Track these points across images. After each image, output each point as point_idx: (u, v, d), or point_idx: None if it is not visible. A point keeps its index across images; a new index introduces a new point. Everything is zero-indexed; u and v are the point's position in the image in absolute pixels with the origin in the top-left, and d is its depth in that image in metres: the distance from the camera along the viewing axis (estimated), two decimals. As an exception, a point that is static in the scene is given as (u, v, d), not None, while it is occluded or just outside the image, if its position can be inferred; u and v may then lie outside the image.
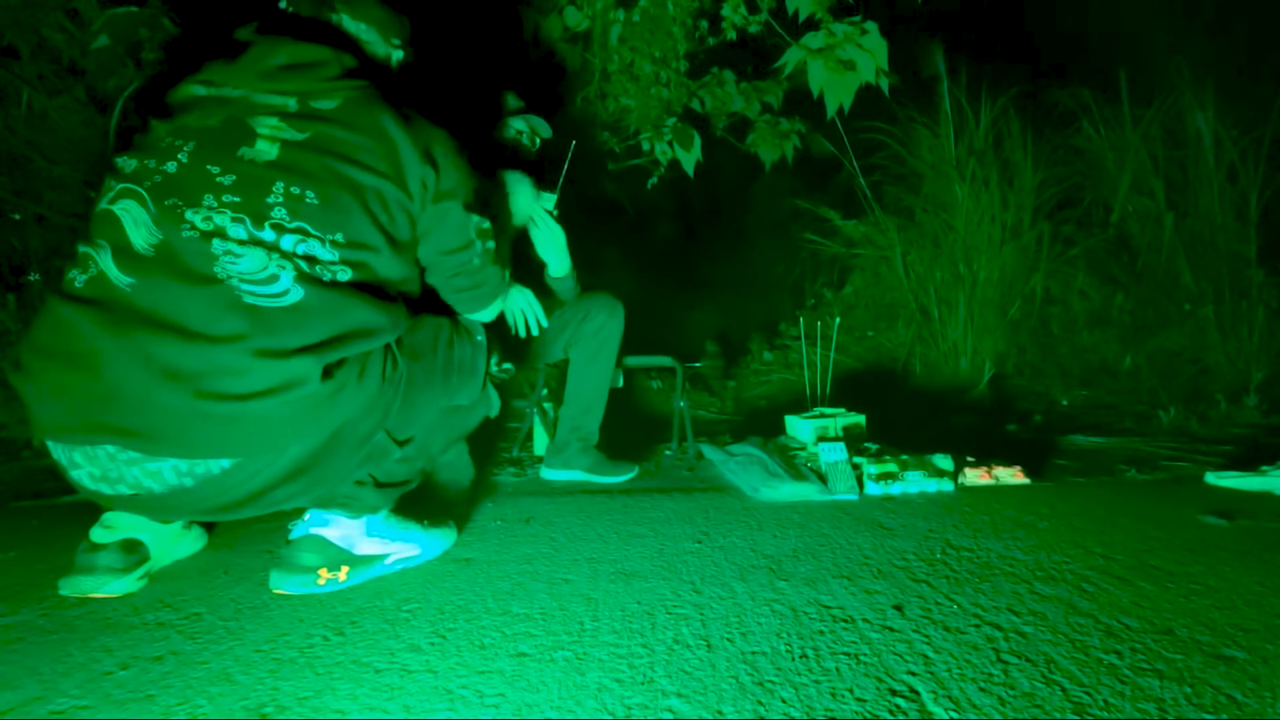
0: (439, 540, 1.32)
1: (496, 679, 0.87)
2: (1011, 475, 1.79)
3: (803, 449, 1.95)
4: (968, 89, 3.20)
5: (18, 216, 2.39)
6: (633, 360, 2.08)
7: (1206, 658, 0.88)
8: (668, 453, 2.25)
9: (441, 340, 1.24)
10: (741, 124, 3.00)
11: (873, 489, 1.71)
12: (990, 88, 3.19)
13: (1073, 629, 0.97)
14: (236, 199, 1.01)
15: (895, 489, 1.71)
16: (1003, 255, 3.09)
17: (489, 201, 1.36)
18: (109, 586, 1.14)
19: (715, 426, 2.68)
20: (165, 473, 0.99)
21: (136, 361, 0.94)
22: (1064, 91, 3.49)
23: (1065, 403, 2.90)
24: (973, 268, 3.10)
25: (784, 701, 0.81)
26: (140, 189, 1.02)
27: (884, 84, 2.42)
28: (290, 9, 1.21)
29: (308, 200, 1.04)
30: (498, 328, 1.89)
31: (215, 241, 0.99)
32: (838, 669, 0.87)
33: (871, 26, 2.35)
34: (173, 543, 1.28)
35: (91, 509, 1.16)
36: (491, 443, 2.34)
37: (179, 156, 1.04)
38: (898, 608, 1.04)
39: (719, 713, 0.79)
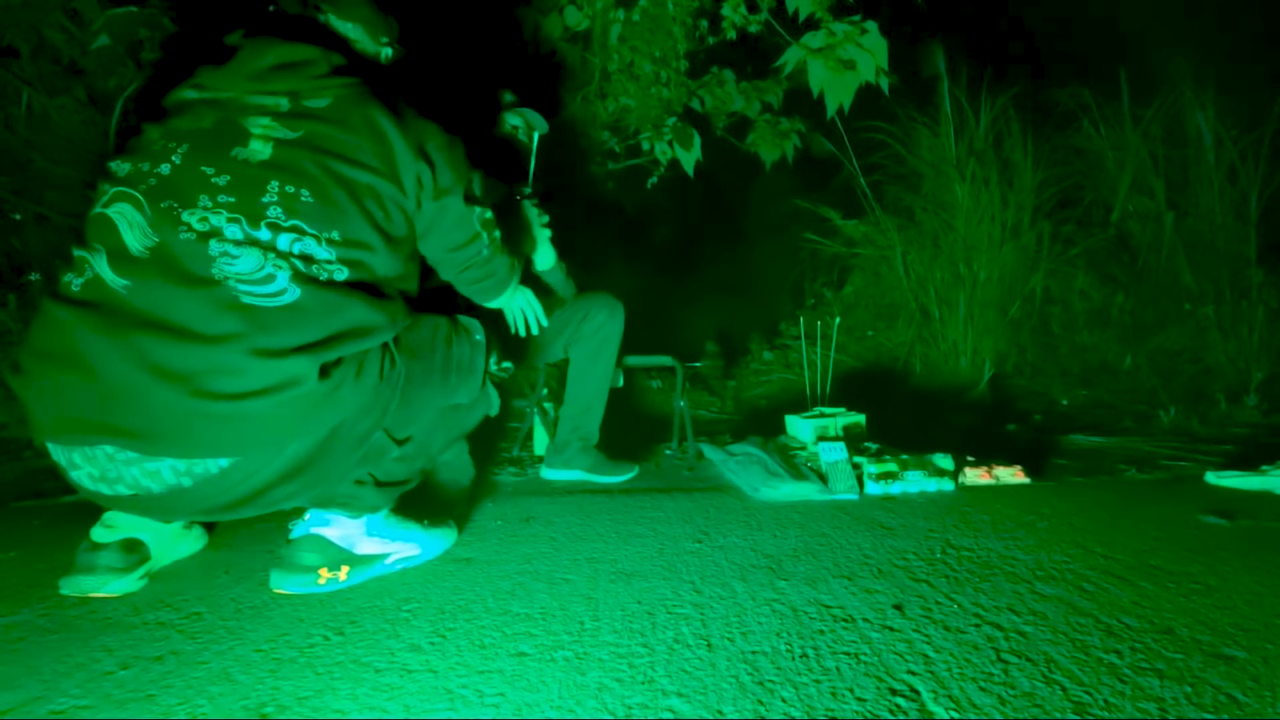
0: (439, 540, 1.32)
1: (496, 679, 0.87)
2: (1011, 475, 1.79)
3: (803, 449, 1.95)
4: (968, 89, 3.20)
5: (18, 216, 2.39)
6: (633, 360, 2.08)
7: (1207, 657, 0.88)
8: (668, 453, 2.25)
9: (440, 339, 1.24)
10: (741, 124, 3.00)
11: (873, 488, 1.71)
12: (990, 88, 3.19)
13: (1073, 628, 0.97)
14: (231, 199, 1.02)
15: (895, 489, 1.71)
16: (1003, 255, 3.09)
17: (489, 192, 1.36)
18: (110, 586, 1.14)
19: (715, 426, 2.68)
20: (164, 473, 0.99)
21: (133, 362, 0.94)
22: (1064, 91, 3.49)
23: (1065, 402, 2.90)
24: (973, 267, 3.10)
25: (784, 701, 0.81)
26: (135, 192, 1.02)
27: (884, 83, 2.42)
28: (276, 9, 1.21)
29: (303, 199, 1.04)
30: (497, 326, 1.90)
31: (212, 243, 0.99)
32: (838, 668, 0.87)
33: (871, 26, 2.36)
34: (173, 542, 1.28)
35: (92, 509, 1.16)
36: (491, 443, 2.34)
37: (172, 159, 1.04)
38: (898, 607, 1.04)
39: (719, 712, 0.79)
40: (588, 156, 2.91)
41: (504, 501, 1.72)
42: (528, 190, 1.92)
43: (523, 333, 1.82)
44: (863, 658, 0.90)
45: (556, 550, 1.34)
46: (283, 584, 1.14)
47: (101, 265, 0.99)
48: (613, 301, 1.93)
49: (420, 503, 1.38)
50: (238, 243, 1.00)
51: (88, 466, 0.99)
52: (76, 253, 1.02)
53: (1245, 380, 2.86)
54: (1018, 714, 0.77)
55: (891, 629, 0.98)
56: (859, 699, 0.81)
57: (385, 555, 1.22)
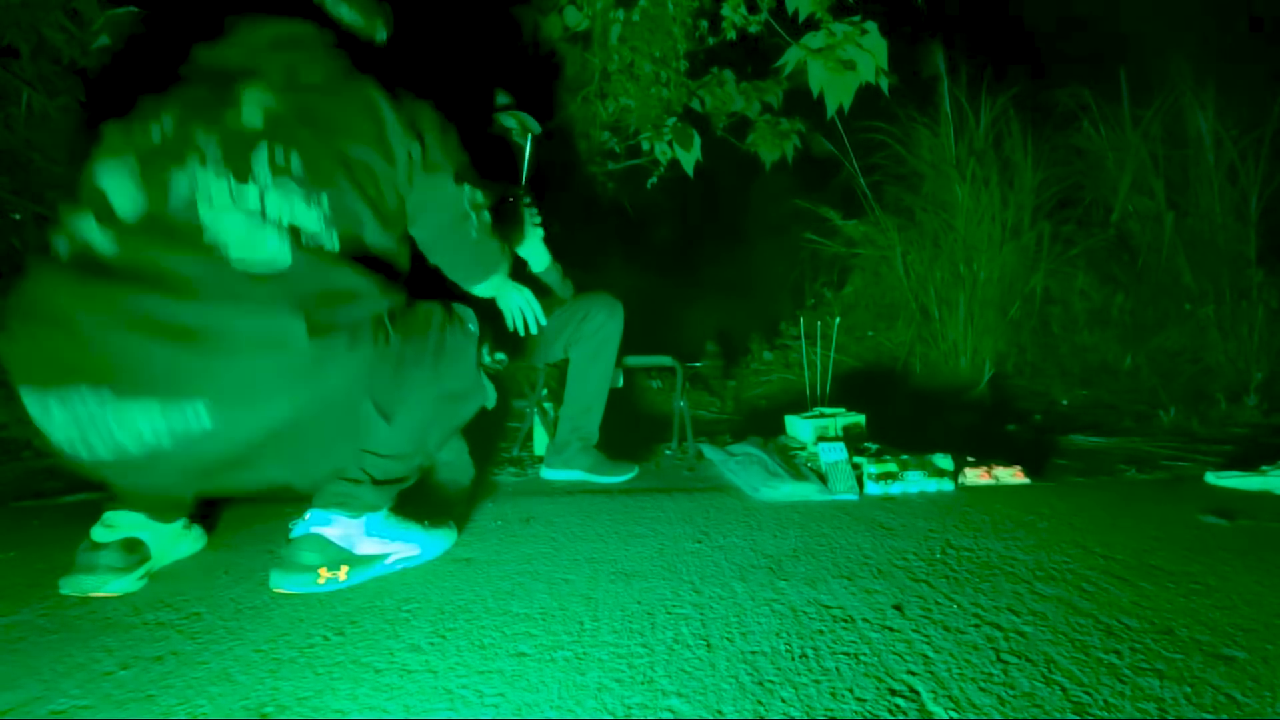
0: (439, 540, 1.32)
1: (496, 679, 0.87)
2: (1011, 475, 1.79)
3: (803, 449, 1.95)
4: (968, 89, 3.20)
5: (18, 216, 2.39)
6: (633, 360, 2.08)
7: (1206, 657, 0.88)
8: (668, 453, 2.25)
9: (434, 322, 1.23)
10: (741, 124, 3.00)
11: (873, 489, 1.71)
12: (990, 88, 3.19)
13: (1073, 629, 0.97)
14: (222, 165, 1.02)
15: (895, 489, 1.71)
16: (1003, 255, 3.09)
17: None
18: (110, 585, 1.14)
19: (715, 426, 2.68)
20: (142, 430, 0.97)
21: (117, 318, 0.95)
22: (1064, 91, 3.49)
23: (1065, 402, 2.90)
24: (973, 267, 3.10)
25: (784, 701, 0.81)
26: (126, 157, 1.02)
27: (884, 84, 2.42)
28: None
29: (294, 169, 1.05)
30: (496, 324, 1.90)
31: (201, 207, 1.00)
32: (838, 669, 0.87)
33: (871, 26, 2.36)
34: (173, 542, 1.28)
35: (92, 509, 1.16)
36: (491, 443, 2.34)
37: (164, 123, 1.04)
38: (898, 607, 1.04)
39: (719, 712, 0.79)
40: (588, 157, 2.91)
41: (504, 501, 1.72)
42: (521, 191, 1.92)
43: (522, 332, 1.82)
44: (862, 658, 0.90)
45: (556, 550, 1.34)
46: (282, 583, 1.14)
47: (90, 227, 0.99)
48: (612, 301, 1.93)
49: (420, 503, 1.38)
50: (227, 207, 1.00)
51: (63, 417, 0.98)
52: (65, 215, 1.02)
53: (1245, 380, 2.86)
54: (1017, 714, 0.77)
55: (891, 629, 0.98)
56: (859, 699, 0.81)
57: (385, 555, 1.22)
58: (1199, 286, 3.14)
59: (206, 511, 1.46)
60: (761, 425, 2.35)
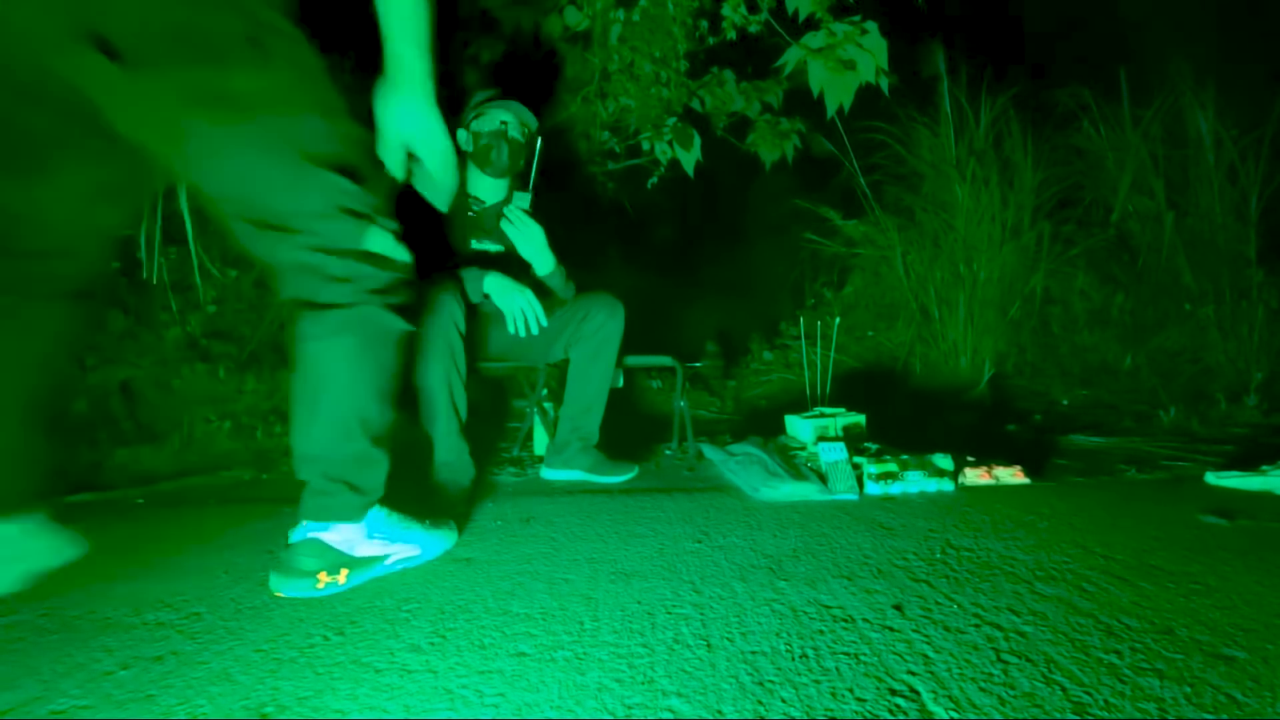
0: (440, 540, 1.32)
1: (496, 679, 0.87)
2: (1011, 475, 1.79)
3: (803, 449, 1.95)
4: (968, 89, 3.20)
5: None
6: (633, 360, 2.08)
7: (1207, 657, 0.88)
8: (668, 453, 2.25)
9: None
10: (741, 124, 3.00)
11: (873, 489, 1.71)
12: (990, 88, 3.19)
13: (1073, 629, 0.97)
14: None
15: (895, 489, 1.71)
16: (1003, 255, 3.09)
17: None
18: None
19: (715, 426, 2.68)
20: None
21: None
22: (1064, 91, 3.49)
23: (1065, 402, 2.90)
24: (973, 267, 3.10)
25: (784, 701, 0.81)
26: None
27: (884, 84, 2.42)
28: None
29: None
30: (501, 327, 1.90)
31: None
32: (838, 669, 0.87)
33: (871, 26, 2.36)
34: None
35: (92, 509, 1.16)
36: (491, 443, 2.34)
37: None
38: (898, 607, 1.04)
39: (719, 713, 0.79)
40: (588, 157, 2.91)
41: (504, 501, 1.72)
42: (528, 194, 1.92)
43: (523, 333, 1.83)
44: (862, 658, 0.90)
45: (556, 550, 1.34)
46: (281, 587, 1.14)
47: None
48: (613, 301, 1.93)
49: (421, 503, 1.38)
50: None
51: None
52: None
53: (1245, 380, 2.86)
54: (1017, 714, 0.77)
55: (891, 629, 0.98)
56: (859, 699, 0.81)
57: (385, 556, 1.22)
58: (1199, 286, 3.14)
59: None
60: (761, 425, 2.35)
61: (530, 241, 1.90)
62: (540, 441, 2.22)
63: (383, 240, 1.12)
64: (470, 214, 1.98)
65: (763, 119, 2.95)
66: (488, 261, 1.92)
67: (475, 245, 1.98)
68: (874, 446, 1.87)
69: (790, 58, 2.44)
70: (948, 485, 1.73)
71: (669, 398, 2.76)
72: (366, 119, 1.13)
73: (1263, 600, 1.05)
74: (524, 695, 0.83)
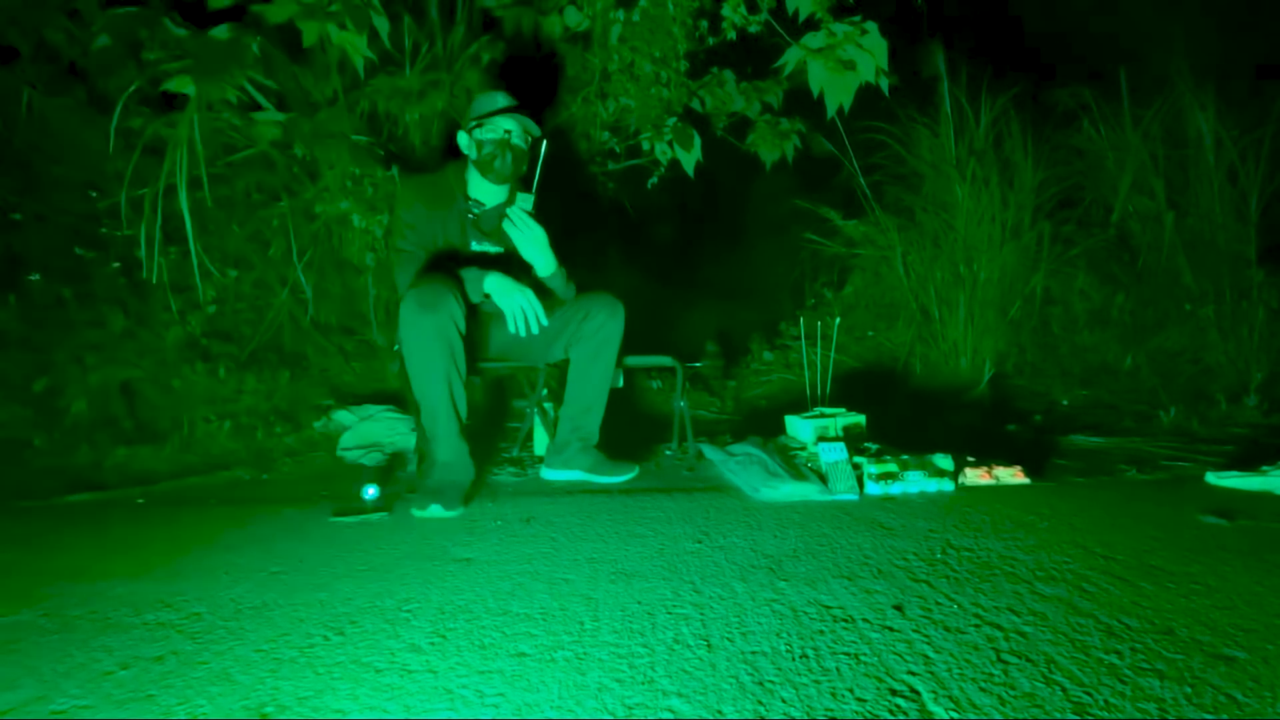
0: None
1: (496, 679, 0.87)
2: (1011, 475, 1.79)
3: (803, 449, 1.95)
4: (968, 89, 3.20)
5: (18, 216, 2.39)
6: (633, 360, 2.08)
7: (1207, 657, 0.88)
8: (668, 453, 2.25)
9: None
10: (741, 124, 3.00)
11: (873, 489, 1.71)
12: (990, 88, 3.19)
13: (1073, 629, 0.97)
14: None
15: (895, 489, 1.71)
16: (1003, 255, 3.09)
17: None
18: None
19: (715, 426, 2.68)
20: None
21: None
22: (1064, 91, 3.49)
23: (1065, 403, 2.90)
24: (973, 267, 3.10)
25: (784, 701, 0.81)
26: None
27: (884, 84, 2.42)
28: None
29: None
30: (497, 325, 1.90)
31: None
32: (838, 669, 0.87)
33: (871, 26, 2.36)
34: None
35: (92, 509, 1.16)
36: (491, 443, 2.34)
37: None
38: (898, 608, 1.04)
39: (719, 713, 0.79)
40: (588, 156, 2.91)
41: (504, 501, 1.72)
42: (531, 196, 1.92)
43: (523, 332, 1.83)
44: (863, 658, 0.90)
45: (556, 550, 1.34)
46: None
47: None
48: (613, 301, 1.93)
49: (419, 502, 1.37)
50: None
51: None
52: None
53: (1245, 380, 2.86)
54: (1018, 714, 0.77)
55: (891, 629, 0.98)
56: (859, 699, 0.81)
57: None
58: (1199, 286, 3.14)
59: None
60: (761, 425, 2.35)
61: (533, 243, 1.90)
62: (540, 441, 2.22)
63: None
64: (471, 216, 1.98)
65: (763, 119, 2.95)
66: (488, 262, 1.92)
67: (476, 247, 1.98)
68: (874, 447, 1.87)
69: (790, 58, 2.44)
70: (948, 485, 1.73)
71: (669, 398, 2.76)
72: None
73: (1263, 600, 1.05)
74: (524, 695, 0.83)
